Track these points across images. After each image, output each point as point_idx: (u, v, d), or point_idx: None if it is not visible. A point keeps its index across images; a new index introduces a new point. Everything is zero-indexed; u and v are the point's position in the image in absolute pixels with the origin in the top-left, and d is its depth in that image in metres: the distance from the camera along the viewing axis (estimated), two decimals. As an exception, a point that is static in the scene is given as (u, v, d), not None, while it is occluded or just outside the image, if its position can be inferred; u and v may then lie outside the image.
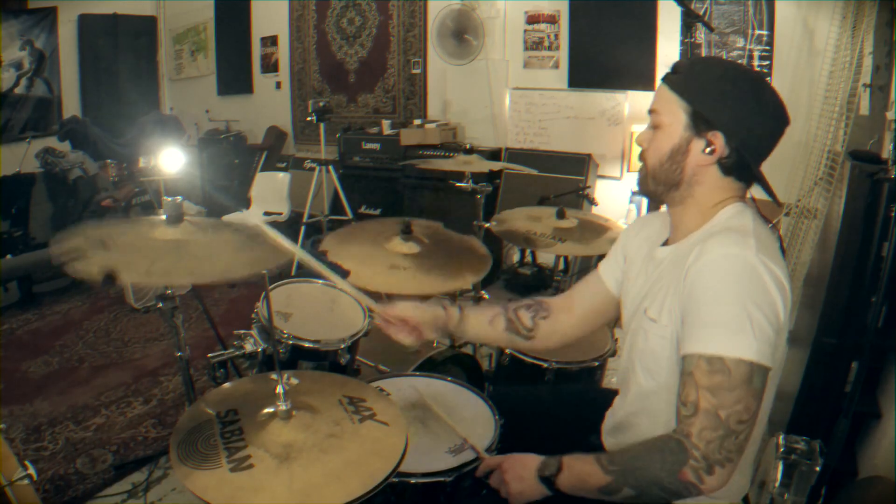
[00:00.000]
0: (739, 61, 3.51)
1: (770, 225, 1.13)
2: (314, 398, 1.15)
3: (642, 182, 1.21)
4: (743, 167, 1.09)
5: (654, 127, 1.15)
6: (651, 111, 1.16)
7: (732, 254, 0.99)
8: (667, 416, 1.11)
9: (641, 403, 1.19)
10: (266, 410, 1.10)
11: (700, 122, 1.08)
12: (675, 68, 1.13)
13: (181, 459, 0.99)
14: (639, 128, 3.93)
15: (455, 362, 2.07)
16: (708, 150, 1.08)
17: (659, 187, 1.16)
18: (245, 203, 4.93)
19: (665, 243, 1.22)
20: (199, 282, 1.43)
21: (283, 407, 1.08)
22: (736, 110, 1.06)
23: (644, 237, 1.30)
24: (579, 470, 1.09)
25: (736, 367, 0.95)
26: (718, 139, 1.07)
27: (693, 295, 1.02)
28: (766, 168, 1.15)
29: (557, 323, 1.42)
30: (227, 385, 1.26)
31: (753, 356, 0.95)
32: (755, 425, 1.00)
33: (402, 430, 1.10)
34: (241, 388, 1.25)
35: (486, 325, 1.42)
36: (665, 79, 1.13)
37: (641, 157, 1.20)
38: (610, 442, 1.31)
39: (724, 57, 3.57)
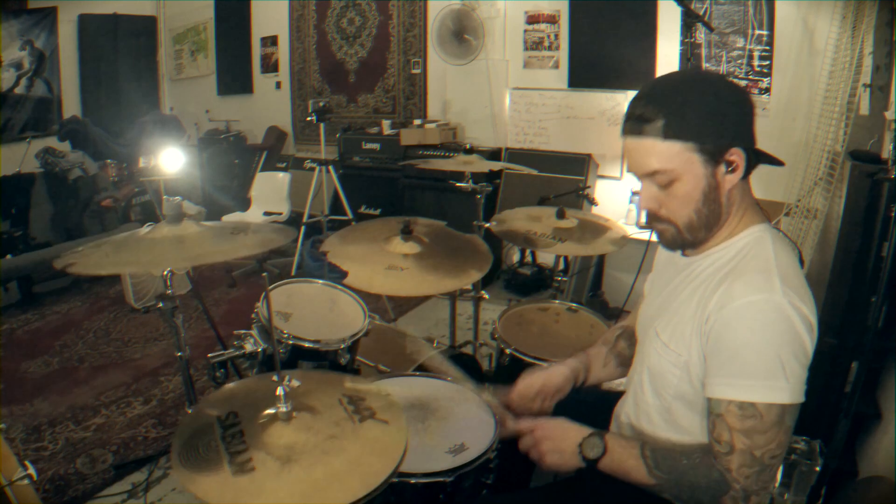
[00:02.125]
0: (739, 61, 3.52)
1: (788, 238, 1.10)
2: (314, 399, 1.15)
3: (672, 241, 1.11)
4: (755, 160, 1.07)
5: (665, 185, 1.05)
6: (653, 173, 1.05)
7: (760, 300, 0.97)
8: (671, 429, 1.14)
9: (646, 415, 1.20)
10: (266, 412, 1.10)
11: (713, 151, 1.02)
12: (646, 116, 1.02)
13: (183, 464, 0.99)
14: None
15: (455, 362, 2.07)
16: (730, 168, 1.03)
17: (700, 233, 1.09)
18: (245, 203, 4.93)
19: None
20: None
21: (283, 409, 1.07)
22: (732, 116, 1.03)
23: None
24: (623, 461, 1.10)
25: (768, 411, 0.97)
26: (738, 154, 1.02)
27: (721, 343, 1.00)
28: (766, 169, 1.14)
29: None
30: (226, 387, 1.26)
31: (786, 400, 0.96)
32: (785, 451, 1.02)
33: (401, 427, 1.10)
34: (241, 390, 1.25)
35: (601, 369, 1.45)
36: (644, 132, 1.02)
37: (657, 218, 1.10)
38: None
39: (724, 57, 3.57)
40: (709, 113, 1.01)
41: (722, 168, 1.04)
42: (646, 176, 1.07)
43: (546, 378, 1.38)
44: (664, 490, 1.07)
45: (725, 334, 1.00)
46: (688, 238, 1.10)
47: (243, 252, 1.35)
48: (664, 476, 1.06)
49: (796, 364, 0.97)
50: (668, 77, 1.11)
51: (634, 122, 1.04)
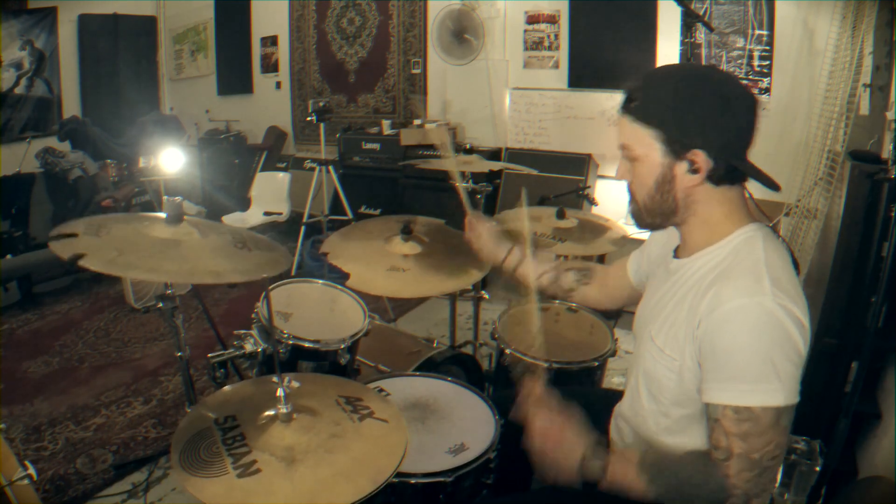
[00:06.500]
0: (739, 61, 3.52)
1: (780, 238, 1.09)
2: (311, 400, 1.15)
3: (637, 216, 1.15)
4: (733, 172, 1.05)
5: (630, 160, 1.10)
6: (621, 147, 1.11)
7: (750, 304, 0.96)
8: (668, 433, 1.14)
9: (644, 418, 1.19)
10: (265, 414, 1.10)
11: (675, 146, 1.03)
12: (630, 95, 1.07)
13: (186, 469, 0.99)
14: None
15: (455, 362, 2.07)
16: (692, 169, 1.04)
17: (656, 219, 1.12)
18: (245, 203, 4.93)
19: (676, 251, 1.20)
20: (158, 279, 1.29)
21: (283, 410, 1.07)
22: (705, 120, 1.01)
23: (665, 240, 1.28)
24: (622, 477, 1.08)
25: (763, 414, 0.96)
26: (700, 156, 1.02)
27: (713, 348, 1.00)
28: (767, 169, 1.13)
29: (593, 291, 1.56)
30: (222, 390, 1.25)
31: (781, 402, 0.96)
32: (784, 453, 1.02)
33: (401, 425, 1.10)
34: (237, 393, 1.24)
35: (534, 274, 1.57)
36: (624, 109, 1.08)
37: (629, 190, 1.15)
38: (620, 444, 1.30)
39: (724, 57, 3.57)
40: (677, 108, 1.02)
41: (683, 165, 1.04)
42: (620, 147, 1.12)
43: (490, 230, 1.64)
44: (665, 502, 1.06)
45: (717, 339, 0.99)
46: (646, 219, 1.14)
47: (238, 277, 1.23)
48: (663, 490, 1.04)
49: (789, 365, 0.96)
50: (673, 66, 1.17)
51: (624, 98, 1.10)
